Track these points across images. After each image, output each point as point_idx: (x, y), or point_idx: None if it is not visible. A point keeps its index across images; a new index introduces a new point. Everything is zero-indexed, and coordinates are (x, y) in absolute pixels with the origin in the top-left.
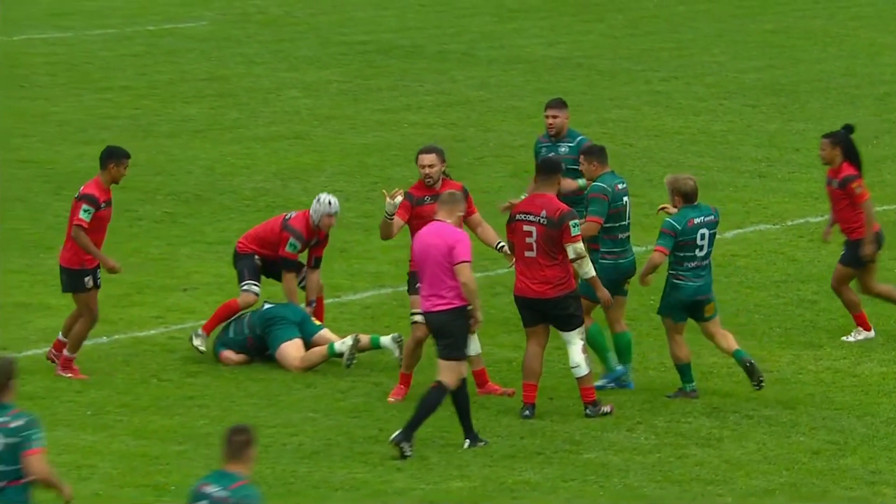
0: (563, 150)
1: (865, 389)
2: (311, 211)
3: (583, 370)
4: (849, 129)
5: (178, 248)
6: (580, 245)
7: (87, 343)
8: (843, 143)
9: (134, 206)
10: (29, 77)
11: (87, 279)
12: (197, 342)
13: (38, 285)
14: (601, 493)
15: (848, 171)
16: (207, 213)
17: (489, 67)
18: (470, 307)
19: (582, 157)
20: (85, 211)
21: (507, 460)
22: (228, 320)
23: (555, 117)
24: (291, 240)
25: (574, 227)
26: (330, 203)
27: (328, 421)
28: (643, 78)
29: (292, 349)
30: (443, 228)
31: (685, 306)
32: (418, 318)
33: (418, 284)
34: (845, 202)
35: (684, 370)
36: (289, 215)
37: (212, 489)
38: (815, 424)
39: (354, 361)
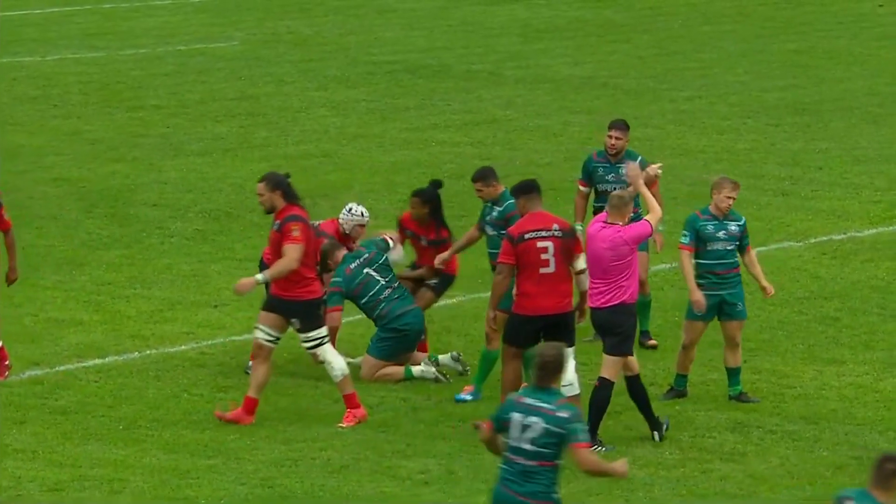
0: (623, 170)
1: (888, 405)
2: (340, 220)
3: (575, 389)
4: (436, 184)
5: (208, 265)
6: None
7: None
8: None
9: (165, 223)
10: (62, 96)
11: None
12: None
13: (70, 301)
14: None
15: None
16: (237, 231)
17: (516, 87)
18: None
19: (480, 182)
20: None
21: None
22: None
23: (618, 139)
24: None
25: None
26: (362, 214)
27: (356, 436)
28: (668, 97)
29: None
30: (612, 231)
31: None
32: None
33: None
34: None
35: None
36: (315, 223)
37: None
38: (837, 440)
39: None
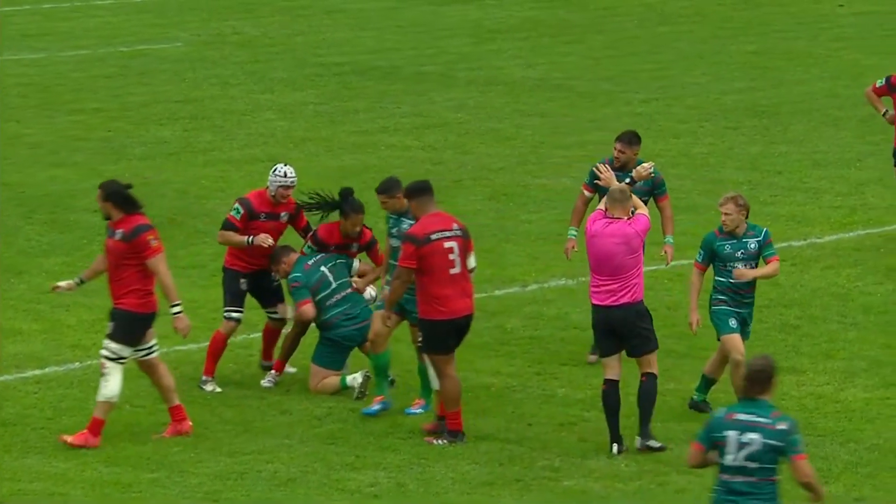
0: (638, 182)
1: (849, 416)
2: (268, 182)
3: (435, 384)
4: (350, 190)
5: None
6: None
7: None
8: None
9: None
10: (1, 99)
11: None
12: (209, 388)
13: (9, 310)
14: None
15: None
16: (181, 237)
17: (467, 89)
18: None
19: (384, 194)
20: None
21: (485, 487)
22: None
23: (622, 152)
24: (236, 205)
25: None
26: (285, 175)
27: (304, 448)
28: (623, 99)
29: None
30: (622, 225)
31: None
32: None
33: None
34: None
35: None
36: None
37: None
38: None
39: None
